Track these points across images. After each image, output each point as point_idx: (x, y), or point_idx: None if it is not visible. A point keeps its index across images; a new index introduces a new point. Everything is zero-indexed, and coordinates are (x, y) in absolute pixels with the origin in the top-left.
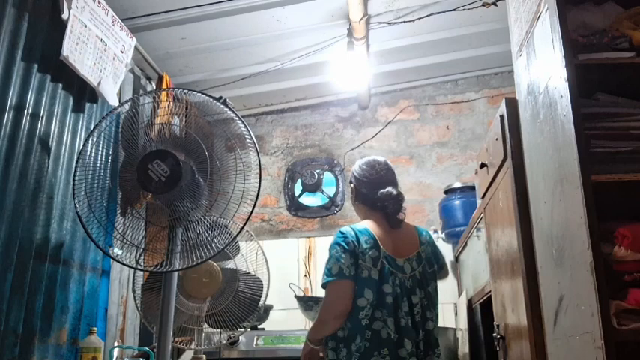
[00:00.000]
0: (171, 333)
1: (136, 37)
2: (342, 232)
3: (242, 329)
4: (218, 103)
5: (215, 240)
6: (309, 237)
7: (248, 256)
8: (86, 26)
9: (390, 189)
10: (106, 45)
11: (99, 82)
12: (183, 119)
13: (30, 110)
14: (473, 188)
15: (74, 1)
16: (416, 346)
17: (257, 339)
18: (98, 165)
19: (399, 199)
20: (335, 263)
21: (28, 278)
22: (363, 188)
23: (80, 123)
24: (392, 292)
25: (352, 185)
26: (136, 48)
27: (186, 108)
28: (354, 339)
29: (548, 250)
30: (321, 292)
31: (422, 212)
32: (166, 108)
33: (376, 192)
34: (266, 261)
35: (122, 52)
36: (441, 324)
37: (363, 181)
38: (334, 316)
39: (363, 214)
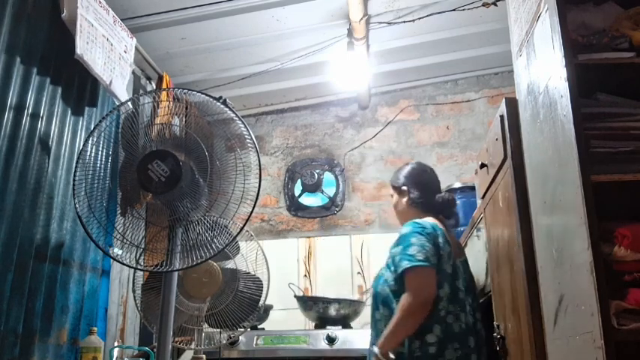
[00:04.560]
0: (172, 333)
1: (136, 37)
2: (418, 224)
3: (242, 329)
4: (218, 103)
5: (215, 240)
6: (309, 237)
7: (248, 256)
8: (92, 25)
9: (446, 194)
10: (111, 44)
11: (110, 82)
12: (183, 119)
13: (30, 110)
14: (473, 188)
15: (79, 1)
16: (476, 342)
17: (257, 339)
18: (98, 165)
19: (455, 203)
20: (420, 250)
21: (28, 278)
22: (418, 191)
23: (80, 123)
24: (463, 288)
25: (404, 188)
26: (136, 48)
27: (186, 108)
28: (430, 330)
29: (548, 250)
30: (320, 292)
31: None
32: (166, 108)
33: (433, 196)
34: (266, 261)
35: (125, 52)
36: None
37: (418, 184)
38: (423, 303)
39: (413, 217)
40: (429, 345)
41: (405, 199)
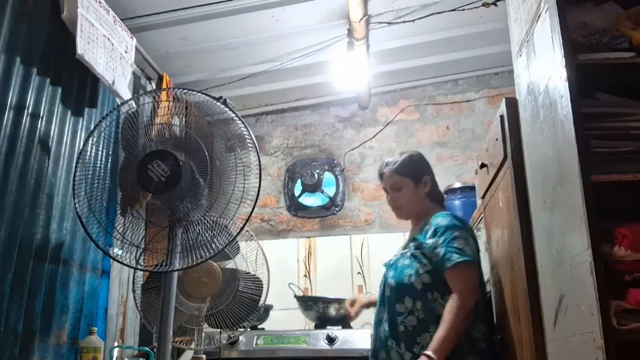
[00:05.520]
0: (172, 333)
1: (136, 37)
2: (454, 216)
3: (242, 329)
4: (218, 103)
5: (215, 240)
6: (309, 237)
7: (248, 256)
8: (93, 25)
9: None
10: (112, 44)
11: (113, 82)
12: (183, 119)
13: (30, 110)
14: (473, 188)
15: (79, 0)
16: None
17: (257, 339)
18: (98, 165)
19: None
20: (466, 244)
21: (28, 278)
22: (434, 181)
23: (80, 123)
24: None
25: (426, 178)
26: (136, 48)
27: (186, 108)
28: (474, 325)
29: (548, 250)
30: (320, 292)
31: None
32: (166, 108)
33: (439, 187)
34: (266, 261)
35: (126, 52)
36: None
37: (432, 175)
38: (475, 300)
39: (428, 209)
40: (477, 340)
41: (426, 190)
